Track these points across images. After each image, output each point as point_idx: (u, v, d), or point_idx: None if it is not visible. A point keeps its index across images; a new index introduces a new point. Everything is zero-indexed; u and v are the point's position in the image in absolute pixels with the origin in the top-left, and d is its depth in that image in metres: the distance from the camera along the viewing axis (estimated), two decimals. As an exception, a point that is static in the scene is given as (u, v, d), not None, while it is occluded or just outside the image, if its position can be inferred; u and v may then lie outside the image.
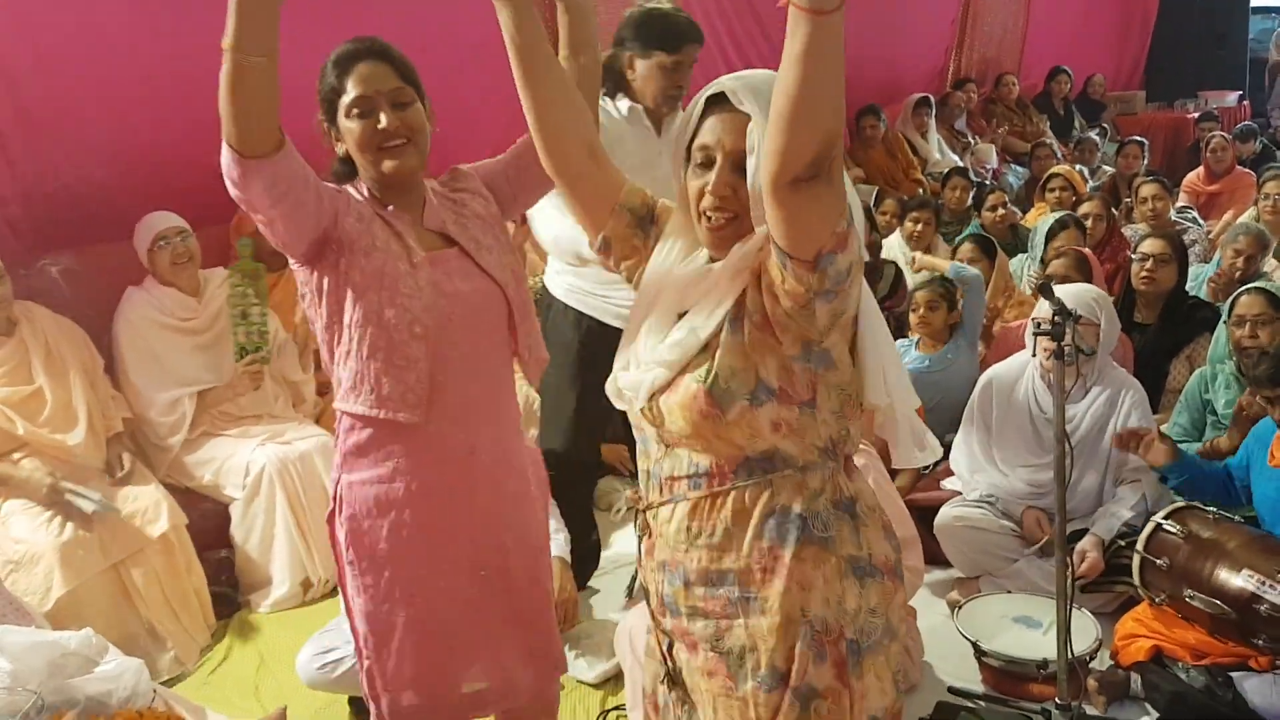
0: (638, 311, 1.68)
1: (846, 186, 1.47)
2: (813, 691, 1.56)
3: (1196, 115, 9.69)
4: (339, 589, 2.13)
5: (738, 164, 1.52)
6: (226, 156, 1.72)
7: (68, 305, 3.69)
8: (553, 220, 3.11)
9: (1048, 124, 9.45)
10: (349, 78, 1.92)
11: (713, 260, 1.61)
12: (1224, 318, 3.73)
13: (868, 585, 1.59)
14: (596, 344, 3.17)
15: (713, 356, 1.54)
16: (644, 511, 1.69)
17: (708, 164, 1.55)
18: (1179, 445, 3.23)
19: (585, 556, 3.57)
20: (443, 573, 2.03)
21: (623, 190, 1.71)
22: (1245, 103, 10.80)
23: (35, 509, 3.27)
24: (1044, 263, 4.41)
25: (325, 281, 1.94)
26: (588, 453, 3.61)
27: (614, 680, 3.09)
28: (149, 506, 3.44)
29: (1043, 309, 2.97)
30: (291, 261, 1.98)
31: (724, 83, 1.54)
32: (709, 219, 1.56)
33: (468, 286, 2.01)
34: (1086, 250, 4.59)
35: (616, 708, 2.99)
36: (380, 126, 1.91)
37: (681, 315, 1.61)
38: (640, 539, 1.72)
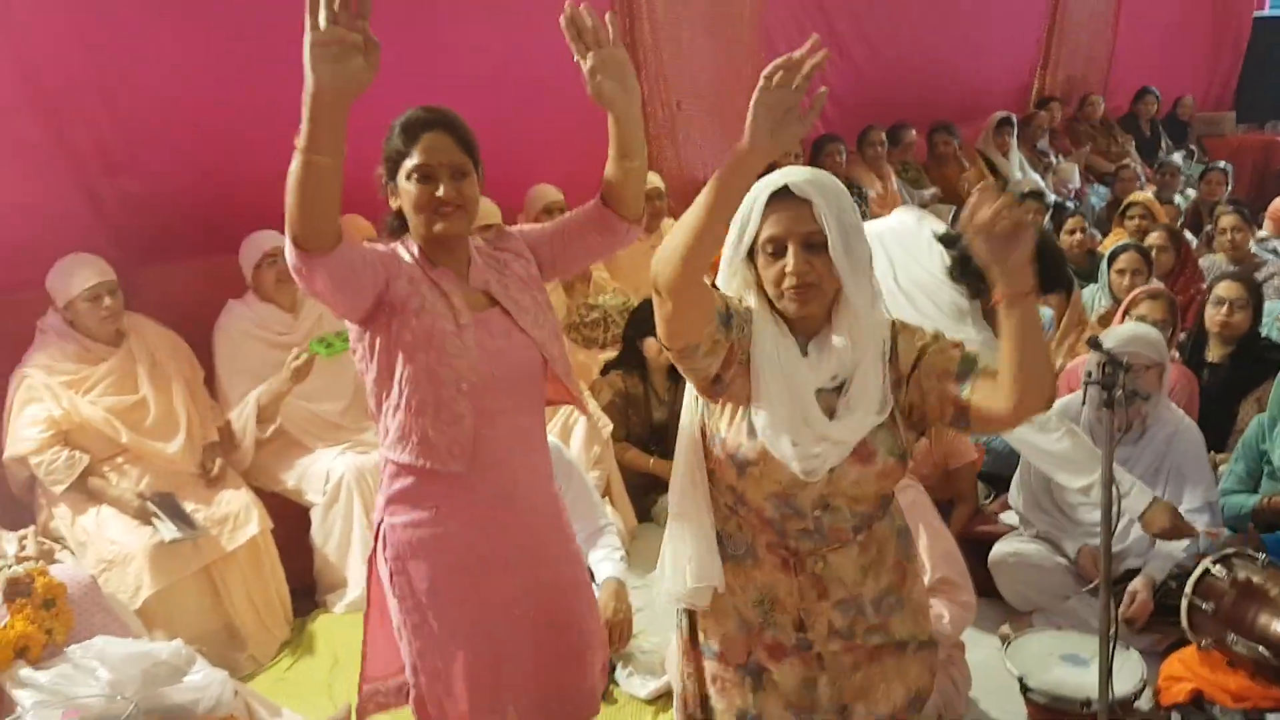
0: (770, 392, 1.87)
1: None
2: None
3: (1289, 138, 9.50)
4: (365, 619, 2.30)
5: (808, 244, 1.83)
6: (290, 251, 1.85)
7: (169, 316, 3.91)
8: None
9: (1133, 145, 9.33)
10: (415, 145, 2.05)
11: (797, 333, 1.90)
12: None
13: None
14: None
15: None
16: (798, 562, 1.96)
17: (779, 252, 1.84)
18: (1237, 495, 3.25)
19: None
20: (481, 613, 2.15)
21: (714, 298, 1.89)
22: (1343, 124, 10.53)
23: (131, 512, 3.49)
24: (1114, 298, 4.38)
25: (377, 340, 2.06)
26: None
27: (665, 697, 3.20)
28: (240, 510, 3.65)
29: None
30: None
31: (779, 180, 1.83)
32: (794, 293, 1.85)
33: (508, 345, 2.13)
34: (1161, 286, 4.57)
35: (669, 724, 3.11)
36: (437, 195, 2.04)
37: (819, 391, 1.89)
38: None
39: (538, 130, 5.11)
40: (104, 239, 3.86)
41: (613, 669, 3.36)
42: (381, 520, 2.16)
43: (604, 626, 2.88)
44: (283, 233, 3.98)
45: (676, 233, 1.72)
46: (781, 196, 1.83)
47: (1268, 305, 4.76)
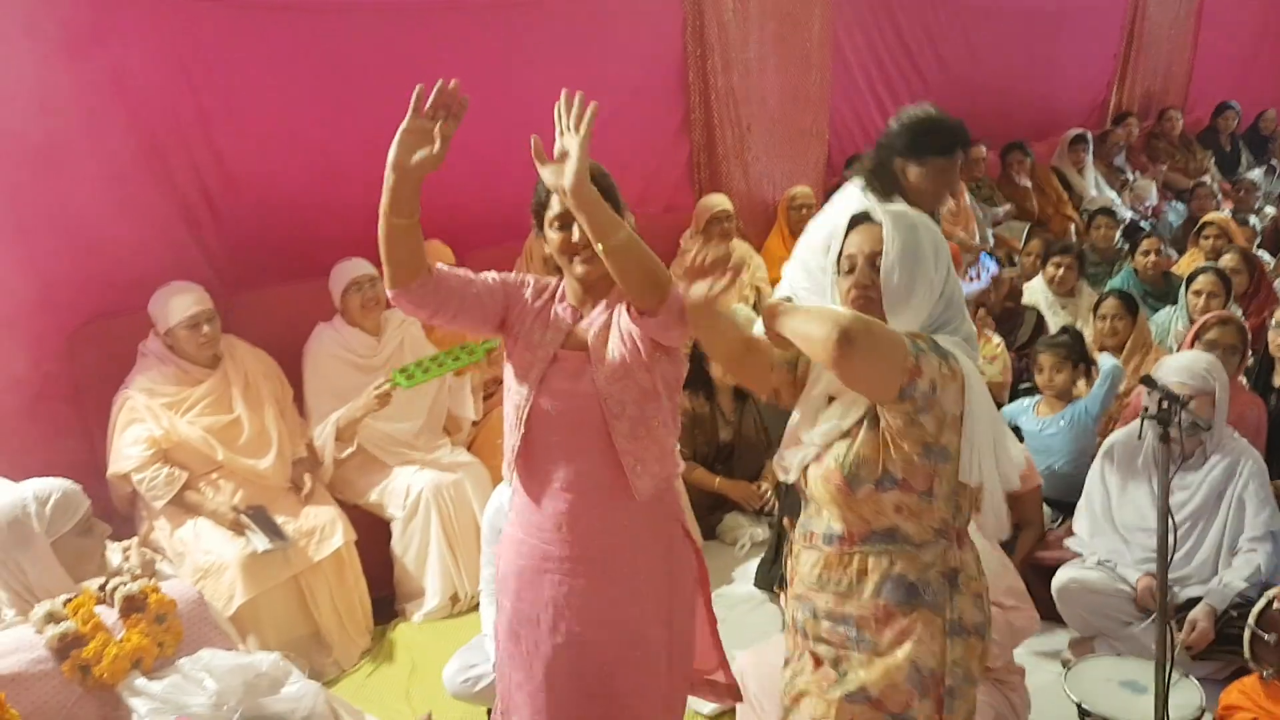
0: (804, 393, 2.14)
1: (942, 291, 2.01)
2: (905, 718, 1.98)
3: (1374, 152, 9.26)
4: None
5: (873, 261, 2.01)
6: (386, 283, 2.19)
7: (262, 337, 4.11)
8: None
9: (1212, 160, 9.17)
10: (554, 194, 2.18)
11: None
12: None
13: (956, 642, 2.00)
14: None
15: (851, 444, 1.97)
16: (789, 548, 2.15)
17: (852, 269, 2.04)
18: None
19: None
20: (525, 619, 2.36)
21: (773, 352, 2.16)
22: None
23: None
24: (1191, 321, 4.33)
25: (506, 361, 2.35)
26: None
27: (728, 714, 3.28)
28: (326, 524, 3.85)
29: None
30: None
31: (860, 207, 2.10)
32: (852, 302, 2.03)
33: (574, 388, 2.25)
34: (1230, 313, 4.55)
35: (731, 740, 3.21)
36: (574, 240, 2.21)
37: (831, 399, 2.06)
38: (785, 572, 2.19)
39: (617, 161, 5.23)
40: (203, 266, 4.11)
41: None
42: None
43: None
44: (369, 260, 4.22)
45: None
46: (861, 220, 2.07)
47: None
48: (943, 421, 1.93)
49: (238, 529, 3.66)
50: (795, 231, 5.67)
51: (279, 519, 3.75)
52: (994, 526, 2.05)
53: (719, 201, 5.58)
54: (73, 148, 3.76)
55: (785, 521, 2.17)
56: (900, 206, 2.10)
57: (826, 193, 6.68)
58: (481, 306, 2.27)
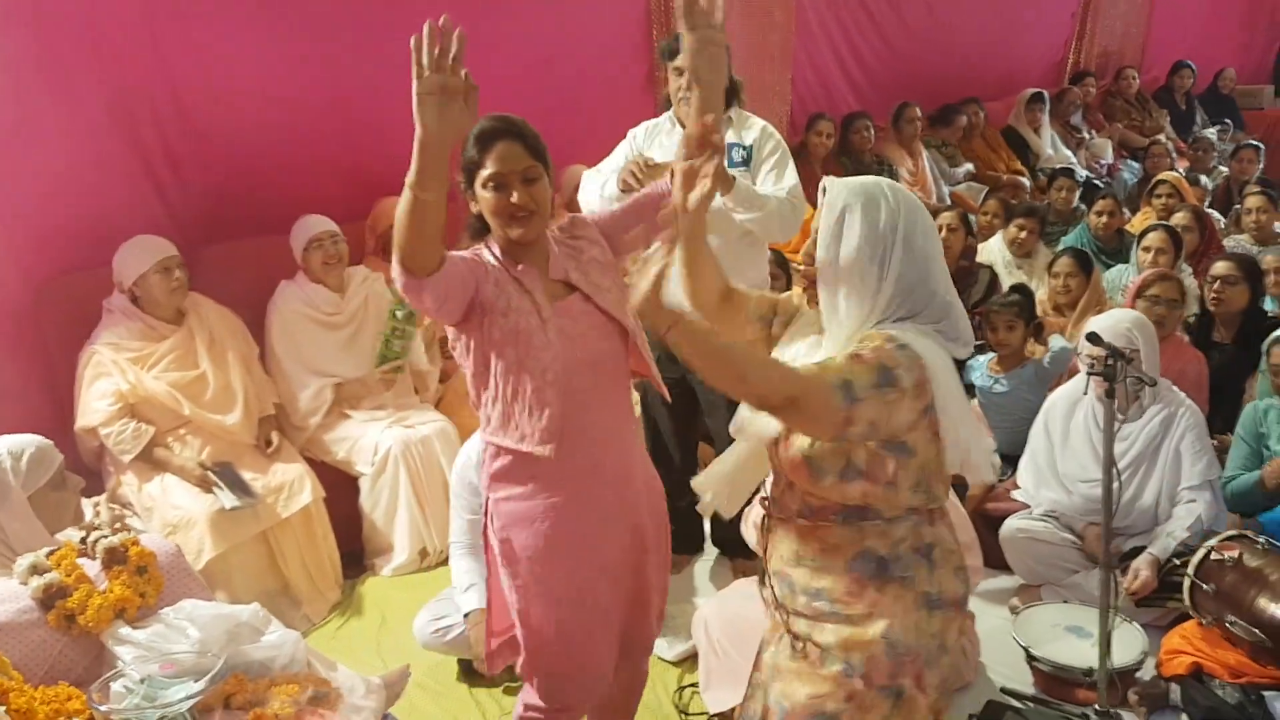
0: None
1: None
2: (899, 690, 1.93)
3: (1328, 111, 9.43)
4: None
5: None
6: (399, 273, 2.04)
7: (225, 295, 4.13)
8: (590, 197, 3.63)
9: (1168, 119, 9.30)
10: (488, 155, 2.19)
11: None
12: (1262, 365, 3.80)
13: (935, 615, 1.94)
14: None
15: None
16: (766, 520, 2.09)
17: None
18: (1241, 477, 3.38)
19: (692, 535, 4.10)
20: (575, 575, 2.34)
21: (749, 305, 2.14)
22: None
23: (194, 478, 3.74)
24: (1140, 290, 4.43)
25: (472, 340, 2.25)
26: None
27: (691, 660, 3.40)
28: (294, 480, 3.89)
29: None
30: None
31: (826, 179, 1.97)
32: (801, 278, 2.03)
33: (589, 328, 2.29)
34: (1168, 269, 4.68)
35: (692, 684, 3.31)
36: (512, 201, 2.19)
37: None
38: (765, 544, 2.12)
39: (582, 115, 5.25)
40: (166, 222, 4.10)
41: (642, 633, 3.57)
42: (488, 497, 2.37)
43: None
44: (330, 217, 4.23)
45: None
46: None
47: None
48: (898, 429, 1.83)
49: (205, 485, 3.70)
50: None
51: (247, 475, 3.79)
52: (988, 470, 2.00)
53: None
54: (37, 104, 3.74)
55: (761, 500, 2.15)
56: (859, 182, 1.92)
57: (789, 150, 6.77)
58: (463, 286, 2.17)
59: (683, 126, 3.58)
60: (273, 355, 4.17)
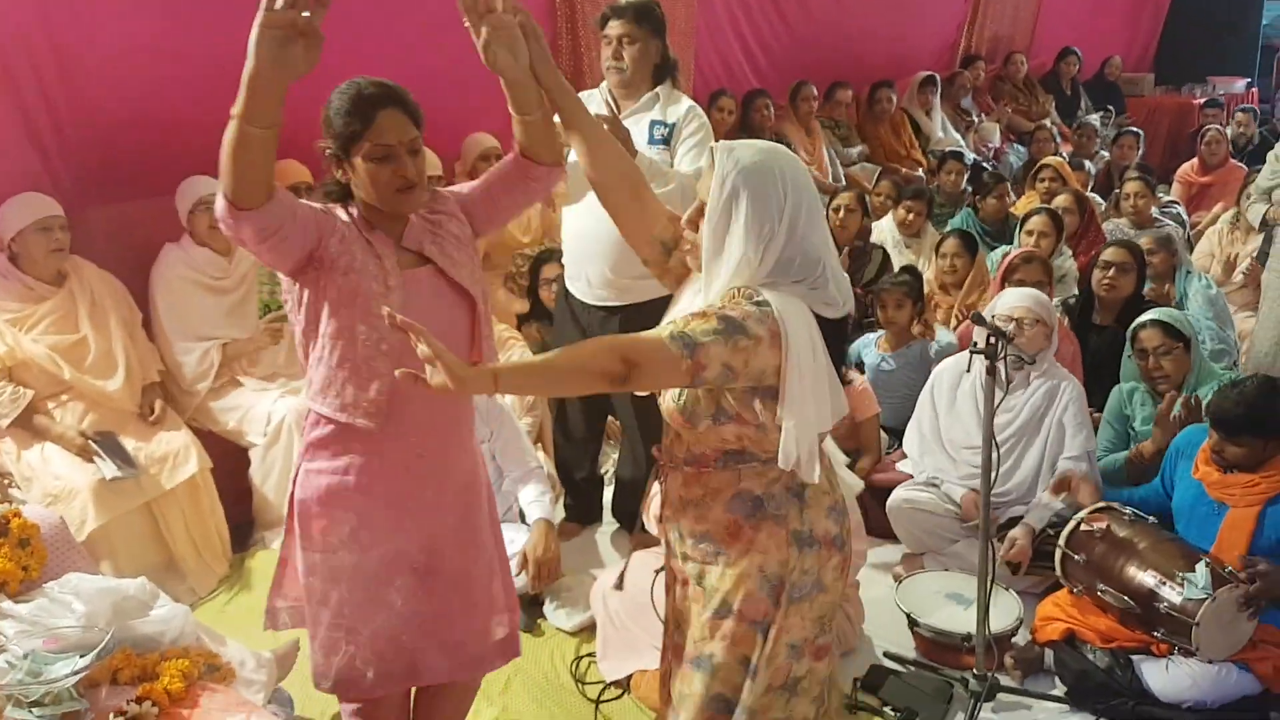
0: (667, 316, 2.14)
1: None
2: (768, 625, 2.06)
3: (1202, 101, 9.79)
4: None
5: (700, 212, 2.02)
6: (220, 205, 1.93)
7: (108, 258, 3.98)
8: None
9: (1053, 105, 9.59)
10: (371, 124, 2.06)
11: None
12: (1127, 349, 3.96)
13: (805, 552, 2.06)
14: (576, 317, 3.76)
15: None
16: (661, 474, 2.17)
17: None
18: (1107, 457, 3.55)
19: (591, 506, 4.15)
20: (379, 564, 2.23)
21: (659, 222, 2.19)
22: (1253, 90, 10.92)
23: (74, 448, 3.62)
24: (1007, 272, 4.61)
25: (305, 294, 2.11)
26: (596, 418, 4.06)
27: (589, 630, 3.44)
28: (179, 450, 3.79)
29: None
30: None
31: (718, 144, 2.02)
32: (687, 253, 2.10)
33: (437, 303, 2.18)
34: (1035, 250, 4.87)
35: (589, 654, 3.35)
36: (404, 174, 2.09)
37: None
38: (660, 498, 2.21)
39: (475, 80, 5.19)
40: (46, 182, 3.92)
41: (540, 604, 3.60)
42: (300, 465, 2.25)
43: (512, 583, 2.71)
44: (216, 179, 4.10)
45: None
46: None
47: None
48: (762, 373, 1.91)
49: (85, 454, 3.59)
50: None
51: (130, 445, 3.69)
52: (803, 468, 1.99)
53: (485, 141, 5.22)
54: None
55: (654, 450, 2.20)
56: (755, 148, 1.98)
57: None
58: (304, 233, 2.05)
59: (613, 99, 3.59)
60: (157, 320, 4.04)
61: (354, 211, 2.18)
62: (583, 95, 3.72)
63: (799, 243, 1.95)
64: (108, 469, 3.55)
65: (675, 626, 2.22)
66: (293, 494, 2.28)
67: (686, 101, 3.61)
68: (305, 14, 1.78)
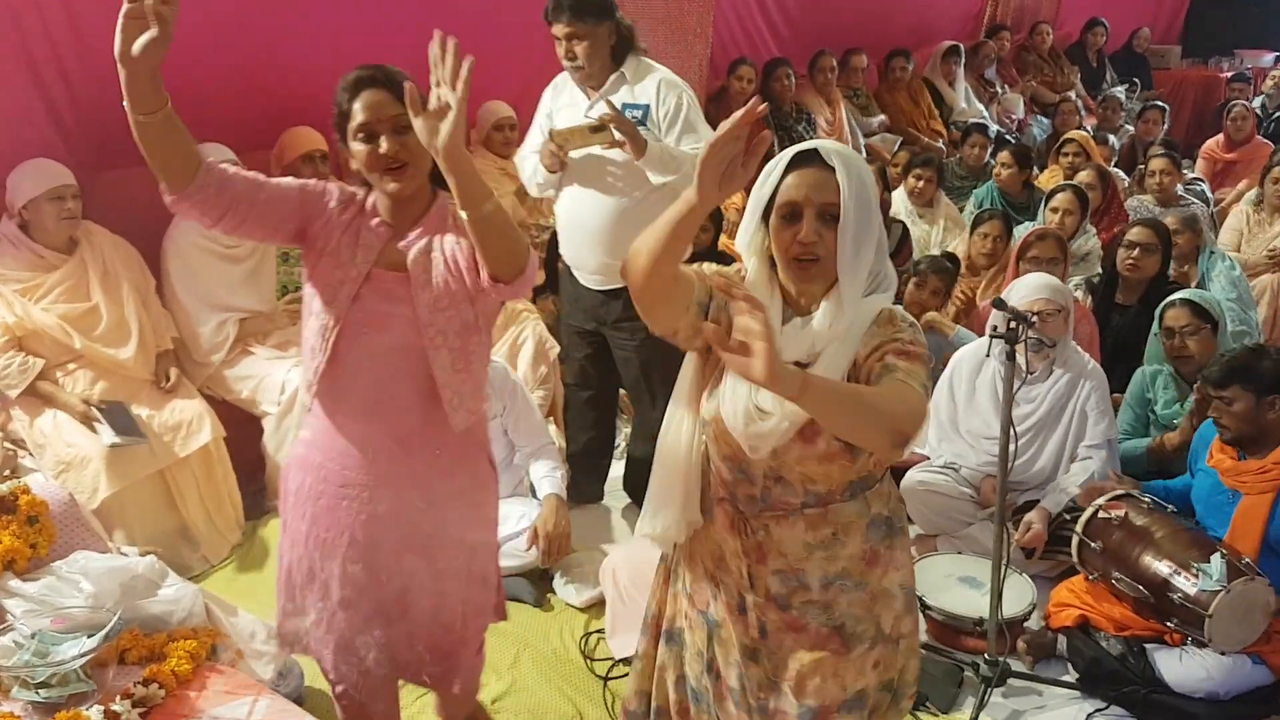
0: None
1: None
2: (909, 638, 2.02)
3: (1230, 75, 9.61)
4: None
5: (823, 214, 1.79)
6: (161, 189, 1.97)
7: (120, 223, 3.94)
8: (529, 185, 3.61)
9: (1078, 76, 9.44)
10: (355, 104, 2.07)
11: (788, 303, 1.88)
12: (1154, 328, 3.91)
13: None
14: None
15: None
16: (744, 524, 1.94)
17: (794, 217, 1.81)
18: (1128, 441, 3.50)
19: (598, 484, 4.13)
20: (322, 544, 2.20)
21: (692, 289, 1.86)
22: (1281, 64, 10.76)
23: (88, 415, 3.61)
24: (1021, 250, 4.57)
25: (305, 268, 2.17)
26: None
27: (598, 606, 3.44)
28: (193, 419, 3.78)
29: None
30: None
31: (812, 143, 1.83)
32: (799, 263, 1.82)
33: (390, 310, 2.11)
34: (1049, 227, 4.80)
35: (598, 630, 3.35)
36: (381, 152, 2.06)
37: (801, 365, 1.80)
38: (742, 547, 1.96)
39: (490, 47, 5.13)
40: (58, 145, 3.89)
41: (550, 578, 3.60)
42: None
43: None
44: (229, 146, 4.07)
45: (640, 245, 1.74)
46: (806, 161, 1.81)
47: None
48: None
49: (87, 421, 3.57)
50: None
51: (144, 412, 3.68)
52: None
53: (500, 110, 5.18)
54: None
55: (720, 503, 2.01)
56: (837, 144, 1.85)
57: (709, 95, 6.73)
58: (275, 212, 2.07)
59: (582, 90, 3.54)
60: (170, 289, 4.01)
61: (372, 199, 2.18)
62: (554, 82, 3.71)
63: (880, 234, 1.86)
64: (106, 434, 3.53)
65: (759, 688, 2.00)
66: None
67: (657, 74, 3.51)
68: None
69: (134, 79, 1.83)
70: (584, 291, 3.71)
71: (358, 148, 2.09)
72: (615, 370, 3.90)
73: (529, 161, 3.63)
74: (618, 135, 3.32)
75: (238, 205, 2.02)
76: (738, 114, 1.61)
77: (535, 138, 3.66)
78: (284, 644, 2.32)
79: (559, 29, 3.41)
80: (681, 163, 3.34)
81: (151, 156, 1.92)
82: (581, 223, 3.57)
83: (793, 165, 1.81)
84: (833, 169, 1.77)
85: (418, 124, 1.86)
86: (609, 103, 3.36)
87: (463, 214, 1.92)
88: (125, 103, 1.86)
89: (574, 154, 3.48)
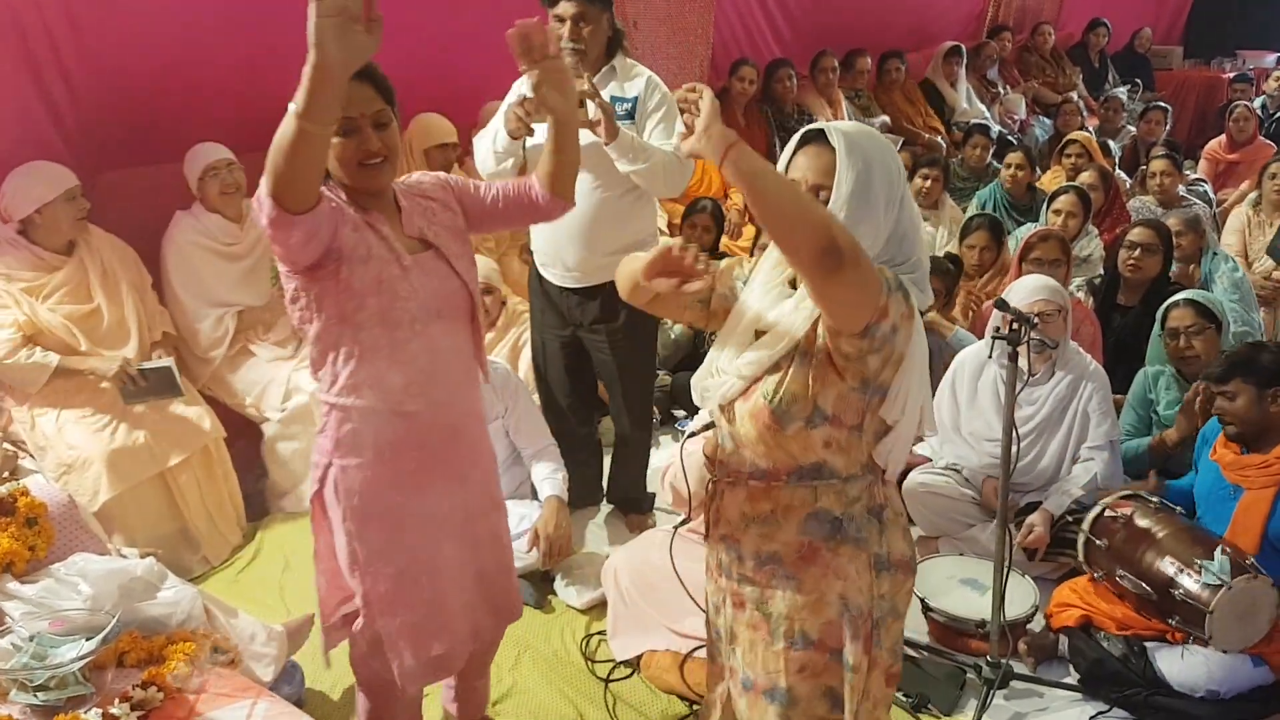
0: (728, 324, 1.99)
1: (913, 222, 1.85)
2: (847, 662, 1.94)
3: (1232, 75, 9.59)
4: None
5: (815, 194, 1.81)
6: (269, 208, 1.83)
7: (120, 221, 3.95)
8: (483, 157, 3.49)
9: (1080, 77, 9.43)
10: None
11: (792, 284, 1.92)
12: (1157, 329, 3.90)
13: (883, 577, 1.93)
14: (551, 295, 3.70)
15: (781, 379, 1.83)
16: (712, 487, 2.04)
17: None
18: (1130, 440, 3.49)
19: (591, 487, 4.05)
20: (423, 537, 2.23)
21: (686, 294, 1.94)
22: (1284, 63, 10.74)
23: (89, 418, 3.60)
24: (1024, 252, 4.54)
25: (327, 288, 2.05)
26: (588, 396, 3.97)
27: (599, 608, 3.43)
28: (193, 419, 3.78)
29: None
30: (283, 270, 2.06)
31: (824, 124, 1.86)
32: None
33: (445, 286, 2.18)
34: (1052, 228, 4.79)
35: (599, 632, 3.34)
36: (366, 147, 2.05)
37: (760, 334, 1.91)
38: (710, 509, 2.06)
39: (494, 46, 5.12)
40: (59, 146, 3.89)
41: (551, 580, 3.59)
42: (330, 463, 2.17)
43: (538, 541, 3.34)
44: (228, 145, 4.05)
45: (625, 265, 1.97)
46: (813, 140, 1.84)
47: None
48: (888, 360, 1.81)
49: (127, 370, 3.56)
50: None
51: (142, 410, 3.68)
52: (897, 465, 1.96)
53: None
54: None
55: (705, 462, 2.10)
56: (856, 126, 1.86)
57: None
58: (328, 231, 2.00)
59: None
60: (169, 289, 4.02)
61: (341, 196, 2.13)
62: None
63: (906, 220, 1.86)
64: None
65: (726, 642, 2.10)
66: (318, 498, 2.23)
67: (644, 72, 3.51)
68: None
69: (335, 84, 1.71)
70: (559, 294, 3.67)
71: (334, 141, 2.03)
72: (593, 372, 3.88)
73: (486, 137, 3.46)
74: (593, 114, 3.25)
75: (322, 229, 1.96)
76: None
77: (498, 120, 3.47)
78: (436, 672, 2.33)
79: (567, 8, 3.36)
80: (650, 154, 3.32)
81: (297, 172, 1.79)
82: (561, 221, 3.53)
83: (801, 144, 1.87)
84: (833, 149, 1.80)
85: (688, 145, 1.78)
86: (587, 78, 3.31)
87: (561, 157, 2.26)
88: (299, 109, 1.71)
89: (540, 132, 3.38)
